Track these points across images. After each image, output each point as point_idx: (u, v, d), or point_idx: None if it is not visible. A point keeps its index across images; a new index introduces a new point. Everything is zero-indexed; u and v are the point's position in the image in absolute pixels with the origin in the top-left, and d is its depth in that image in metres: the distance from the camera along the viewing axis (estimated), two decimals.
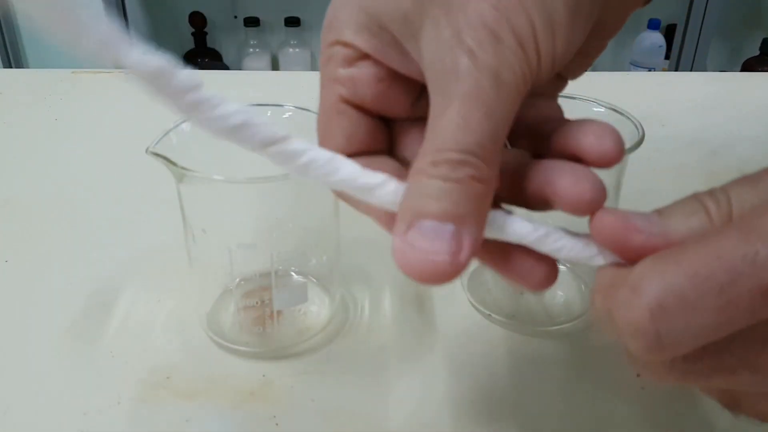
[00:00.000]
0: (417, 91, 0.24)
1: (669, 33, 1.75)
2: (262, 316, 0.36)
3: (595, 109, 0.36)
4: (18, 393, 0.33)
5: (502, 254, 0.22)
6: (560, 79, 0.26)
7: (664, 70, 1.70)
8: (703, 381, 0.19)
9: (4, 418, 0.31)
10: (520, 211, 0.22)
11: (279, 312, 0.36)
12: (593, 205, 0.20)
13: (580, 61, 0.25)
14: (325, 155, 0.21)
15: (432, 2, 0.21)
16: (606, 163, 0.21)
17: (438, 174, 0.20)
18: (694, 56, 1.57)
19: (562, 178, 0.21)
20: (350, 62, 0.23)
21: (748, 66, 1.80)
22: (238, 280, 0.38)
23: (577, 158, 0.21)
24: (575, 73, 0.26)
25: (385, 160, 0.24)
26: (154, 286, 0.39)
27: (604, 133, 0.21)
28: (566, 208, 0.21)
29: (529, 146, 0.24)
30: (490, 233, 0.21)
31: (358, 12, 0.23)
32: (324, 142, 0.24)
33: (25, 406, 0.32)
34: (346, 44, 0.23)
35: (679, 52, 1.58)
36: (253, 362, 0.35)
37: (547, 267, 0.22)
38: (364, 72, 0.23)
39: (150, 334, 0.36)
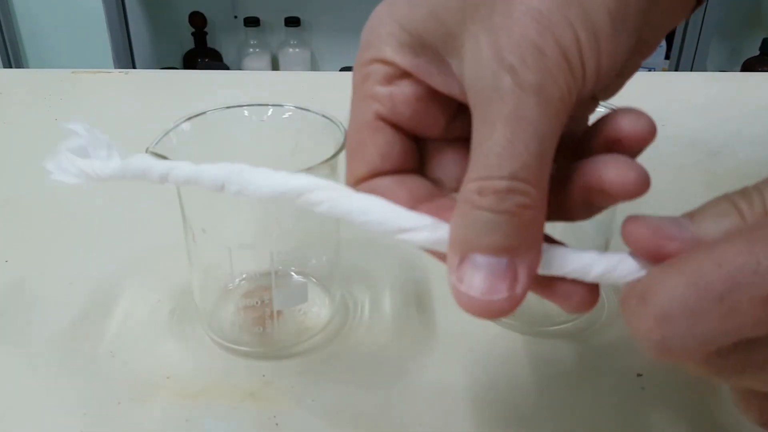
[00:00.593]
0: (453, 112, 0.24)
1: (669, 33, 1.75)
2: (262, 316, 0.36)
3: None
4: (18, 393, 0.33)
5: (544, 277, 0.22)
6: (592, 99, 0.25)
7: (664, 70, 1.70)
8: (735, 378, 0.19)
9: (5, 418, 0.31)
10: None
11: (279, 312, 0.36)
12: (642, 187, 0.20)
13: (615, 81, 0.24)
14: (348, 200, 0.22)
15: (473, 19, 0.20)
16: (643, 141, 0.21)
17: (486, 205, 0.19)
18: (694, 56, 1.57)
19: (606, 167, 0.20)
20: (389, 80, 0.23)
21: (748, 66, 1.80)
22: (238, 280, 0.38)
23: (613, 143, 0.21)
24: (608, 94, 0.25)
25: (416, 179, 0.24)
26: (154, 286, 0.39)
27: (637, 115, 0.21)
28: (615, 194, 0.20)
29: (559, 158, 0.23)
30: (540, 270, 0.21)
31: (400, 31, 0.23)
32: (356, 158, 0.24)
33: (25, 406, 0.32)
34: (386, 62, 0.23)
35: (679, 52, 1.58)
36: (253, 362, 0.35)
37: (588, 290, 0.21)
38: (403, 90, 0.23)
39: (150, 334, 0.36)
